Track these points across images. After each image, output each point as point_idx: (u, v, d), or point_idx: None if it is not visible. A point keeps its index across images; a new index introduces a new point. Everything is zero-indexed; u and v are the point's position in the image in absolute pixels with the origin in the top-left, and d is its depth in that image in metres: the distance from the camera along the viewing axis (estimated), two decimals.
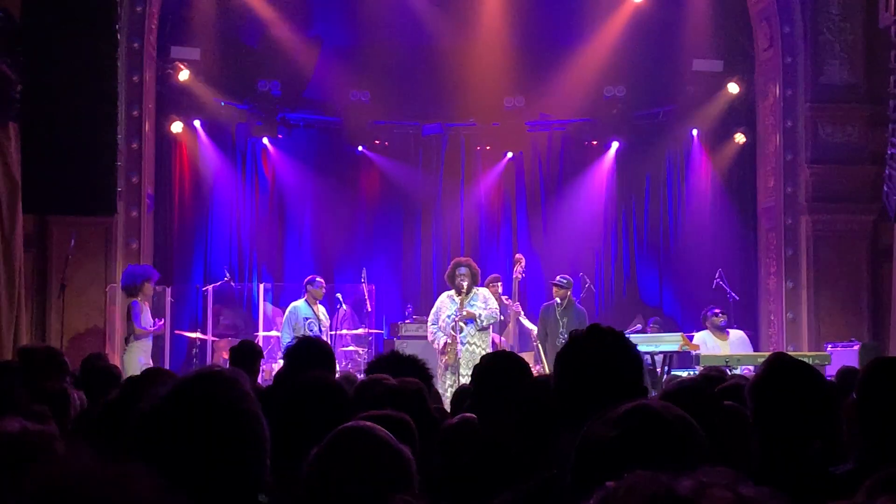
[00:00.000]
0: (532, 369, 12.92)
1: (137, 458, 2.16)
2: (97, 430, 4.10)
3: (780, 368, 3.55)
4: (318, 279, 14.23)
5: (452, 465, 4.12)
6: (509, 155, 19.01)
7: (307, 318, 13.79)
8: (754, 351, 13.41)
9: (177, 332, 15.09)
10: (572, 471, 2.27)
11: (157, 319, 13.20)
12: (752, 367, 11.83)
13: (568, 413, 3.04)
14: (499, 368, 4.24)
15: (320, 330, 13.70)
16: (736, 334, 13.21)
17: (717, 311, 13.23)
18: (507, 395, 4.05)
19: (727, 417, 3.83)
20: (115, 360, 11.96)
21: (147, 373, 5.55)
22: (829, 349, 12.98)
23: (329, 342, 8.60)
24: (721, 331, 13.07)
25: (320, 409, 3.42)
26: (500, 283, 14.08)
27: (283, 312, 14.63)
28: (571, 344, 3.17)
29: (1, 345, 11.35)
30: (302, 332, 13.18)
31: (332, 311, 14.92)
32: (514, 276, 13.79)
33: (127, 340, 12.74)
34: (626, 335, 3.28)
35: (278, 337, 14.54)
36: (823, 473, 3.35)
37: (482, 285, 13.57)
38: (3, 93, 11.40)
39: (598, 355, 3.08)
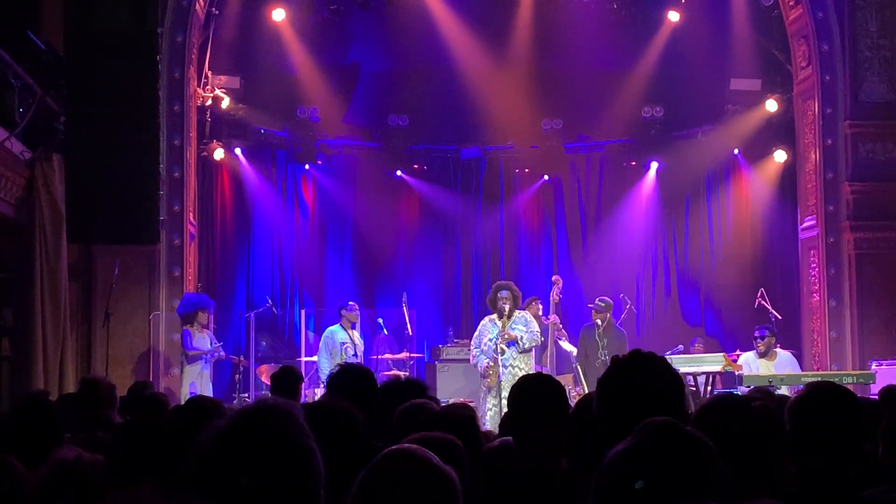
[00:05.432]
0: (573, 391, 12.90)
1: (196, 490, 2.20)
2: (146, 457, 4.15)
3: (819, 394, 3.54)
4: (350, 303, 14.47)
5: (494, 489, 4.12)
6: (547, 177, 19.02)
7: (343, 343, 14.00)
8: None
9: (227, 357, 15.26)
10: (593, 487, 2.31)
11: (215, 343, 13.48)
12: (800, 387, 11.71)
13: (610, 436, 3.06)
14: (535, 391, 4.23)
15: (355, 353, 13.88)
16: (784, 355, 13.03)
17: (757, 335, 13.01)
18: (547, 417, 4.05)
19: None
20: (160, 388, 12.06)
21: (190, 402, 5.58)
22: (873, 367, 12.86)
23: (368, 366, 8.64)
24: (763, 354, 12.90)
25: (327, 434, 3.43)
26: (539, 304, 14.06)
27: (320, 339, 14.74)
28: (613, 368, 3.21)
29: (48, 373, 11.48)
30: (339, 356, 13.38)
31: (374, 336, 14.97)
32: (551, 298, 13.76)
33: (182, 368, 12.90)
34: (668, 357, 3.31)
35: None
36: (856, 496, 3.33)
37: (521, 308, 13.56)
38: (46, 124, 11.57)
39: (639, 379, 3.11)
